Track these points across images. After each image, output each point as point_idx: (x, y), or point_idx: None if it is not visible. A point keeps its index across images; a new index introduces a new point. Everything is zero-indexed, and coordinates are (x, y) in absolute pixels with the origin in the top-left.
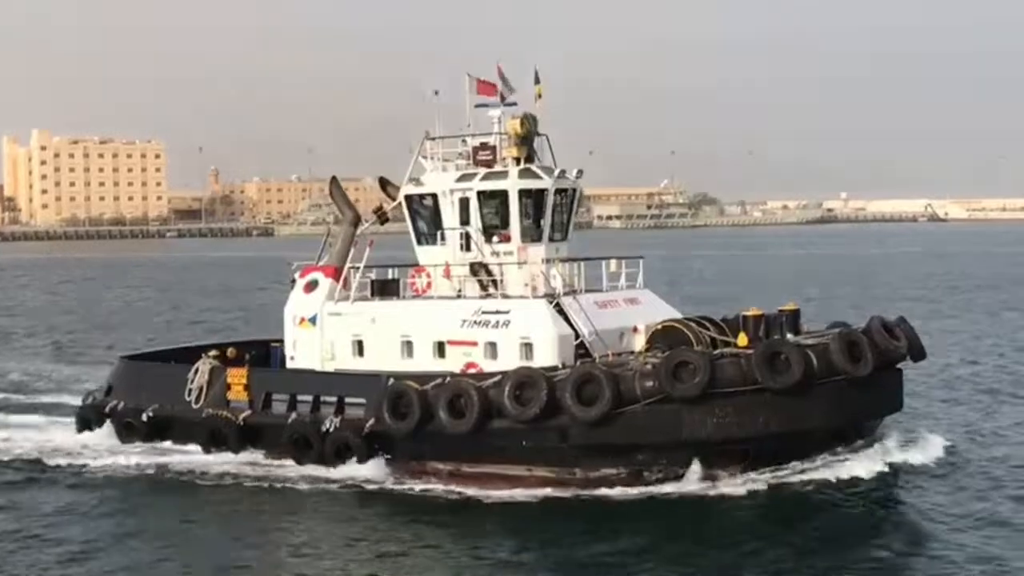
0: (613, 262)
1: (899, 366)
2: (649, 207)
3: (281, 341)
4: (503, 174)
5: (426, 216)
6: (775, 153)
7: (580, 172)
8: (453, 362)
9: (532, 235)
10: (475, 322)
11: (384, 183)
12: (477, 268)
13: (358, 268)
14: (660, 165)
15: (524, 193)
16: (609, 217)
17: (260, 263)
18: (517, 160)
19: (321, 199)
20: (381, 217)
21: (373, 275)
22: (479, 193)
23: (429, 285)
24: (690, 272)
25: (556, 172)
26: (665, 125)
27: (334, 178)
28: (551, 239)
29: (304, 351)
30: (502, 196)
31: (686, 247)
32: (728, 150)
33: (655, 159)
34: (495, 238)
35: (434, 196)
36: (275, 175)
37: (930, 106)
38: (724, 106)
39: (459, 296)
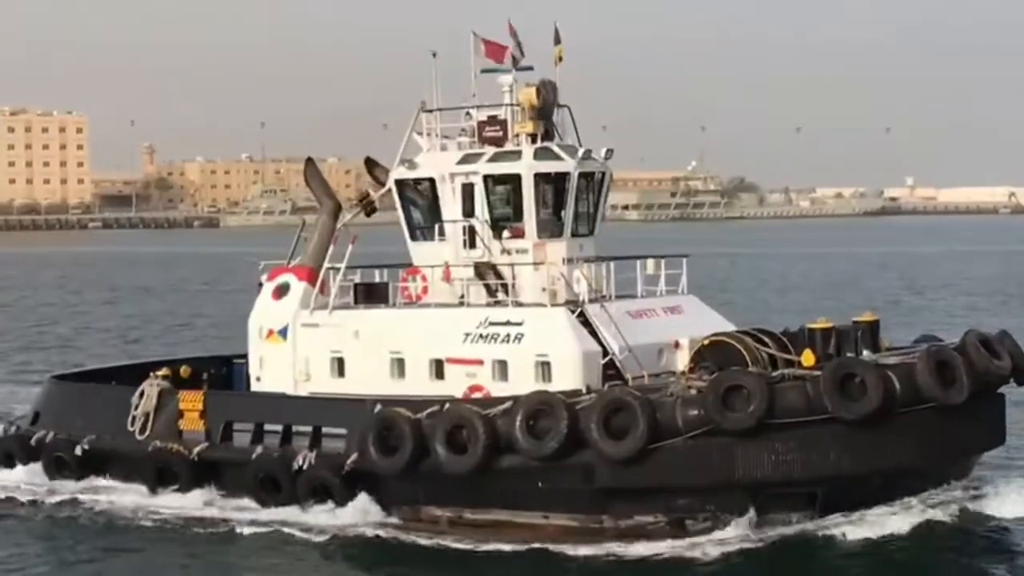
0: (651, 262)
1: (1001, 390)
2: (673, 194)
3: (245, 357)
4: (515, 154)
5: (421, 206)
6: (827, 131)
7: (610, 152)
8: (454, 385)
9: (551, 229)
10: (481, 336)
11: (371, 165)
12: (484, 269)
13: (338, 269)
14: (688, 143)
15: (541, 178)
16: (625, 207)
17: (211, 261)
18: (532, 137)
19: (276, 183)
20: (367, 207)
21: (357, 278)
22: (486, 177)
23: (425, 290)
24: (740, 275)
25: (580, 152)
26: (694, 94)
27: (309, 160)
28: (574, 234)
29: (273, 370)
30: (514, 181)
31: (715, 243)
32: (771, 127)
33: (682, 135)
34: (506, 233)
35: (431, 181)
36: (221, 154)
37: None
38: (767, 72)
39: (461, 303)
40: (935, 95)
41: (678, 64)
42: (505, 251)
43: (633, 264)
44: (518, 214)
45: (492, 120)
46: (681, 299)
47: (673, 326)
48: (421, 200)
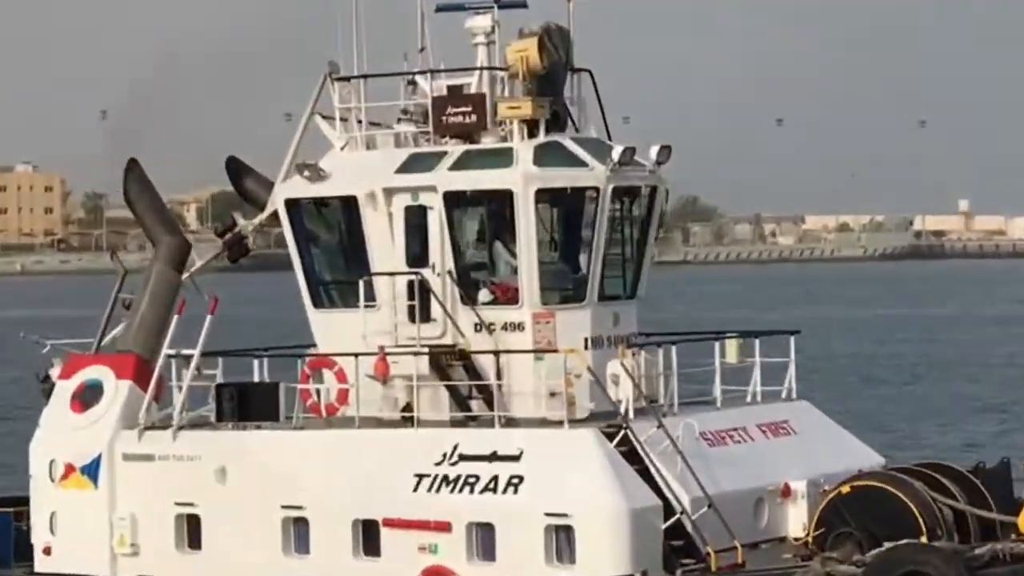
0: (733, 344)
1: None
2: None
3: (22, 505)
4: (501, 155)
5: (331, 246)
6: (824, 124)
7: (665, 152)
8: (395, 564)
9: (564, 287)
10: (445, 479)
11: (238, 170)
12: (446, 360)
13: (187, 358)
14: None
15: (548, 197)
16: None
17: None
18: (531, 125)
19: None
20: (233, 248)
21: (218, 372)
22: (450, 197)
23: (343, 396)
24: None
25: (616, 153)
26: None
27: (132, 163)
28: (604, 296)
29: (71, 535)
30: (499, 203)
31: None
32: (740, 121)
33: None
34: (484, 294)
35: (348, 202)
36: None
37: None
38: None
39: (408, 420)
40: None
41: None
42: (484, 326)
43: (703, 347)
44: (504, 261)
45: (457, 94)
46: (788, 408)
47: (779, 456)
48: (331, 235)
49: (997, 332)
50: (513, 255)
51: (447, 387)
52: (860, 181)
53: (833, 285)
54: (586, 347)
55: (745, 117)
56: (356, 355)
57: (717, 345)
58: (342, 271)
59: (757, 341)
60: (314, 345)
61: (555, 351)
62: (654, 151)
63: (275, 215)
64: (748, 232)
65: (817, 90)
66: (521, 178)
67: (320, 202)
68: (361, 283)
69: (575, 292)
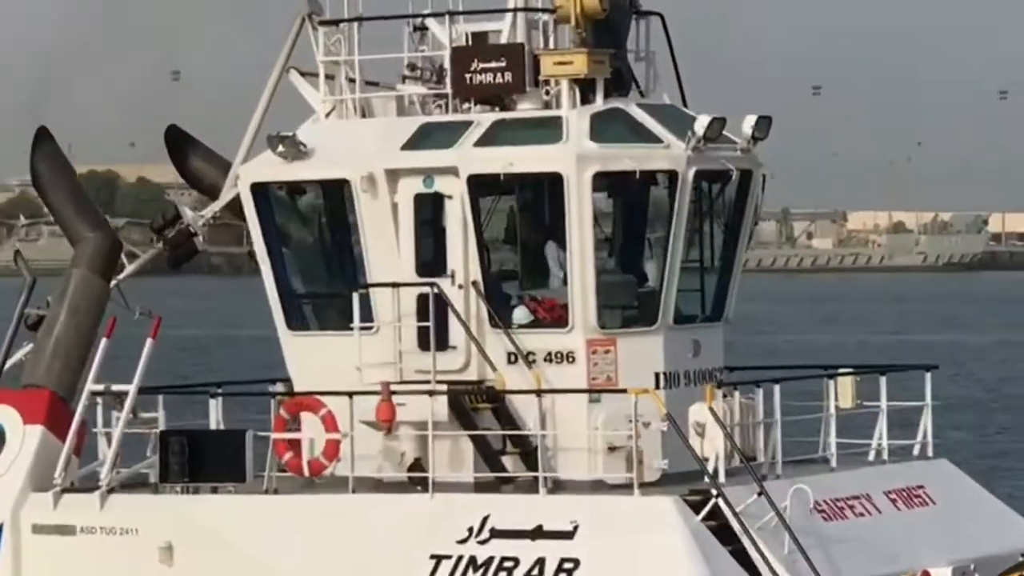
0: (848, 384)
1: None
2: None
3: None
4: (544, 127)
5: (313, 246)
6: (874, 100)
7: (764, 124)
8: None
9: (629, 303)
10: (471, 563)
11: (180, 143)
12: (471, 402)
13: (119, 395)
14: None
15: (608, 184)
16: None
17: None
18: (585, 87)
19: None
20: (177, 246)
21: (160, 415)
22: (475, 183)
23: (333, 450)
24: None
25: (701, 125)
26: None
27: (41, 133)
28: (681, 317)
29: None
30: (542, 191)
31: None
32: (761, 87)
33: None
34: (520, 312)
35: (337, 189)
36: None
37: None
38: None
39: (417, 482)
40: None
41: None
42: (521, 357)
43: (797, 387)
44: (546, 268)
45: (485, 45)
46: (924, 469)
47: (916, 535)
48: (312, 233)
49: None
50: (562, 261)
51: (472, 438)
52: (918, 167)
53: (890, 302)
54: (657, 385)
55: (773, 82)
56: (350, 394)
57: (830, 384)
58: (328, 281)
59: (883, 379)
60: (286, 382)
61: (618, 391)
62: (749, 123)
63: (234, 204)
64: (773, 232)
65: (865, 52)
66: (574, 158)
67: (298, 188)
68: (355, 297)
69: (643, 312)
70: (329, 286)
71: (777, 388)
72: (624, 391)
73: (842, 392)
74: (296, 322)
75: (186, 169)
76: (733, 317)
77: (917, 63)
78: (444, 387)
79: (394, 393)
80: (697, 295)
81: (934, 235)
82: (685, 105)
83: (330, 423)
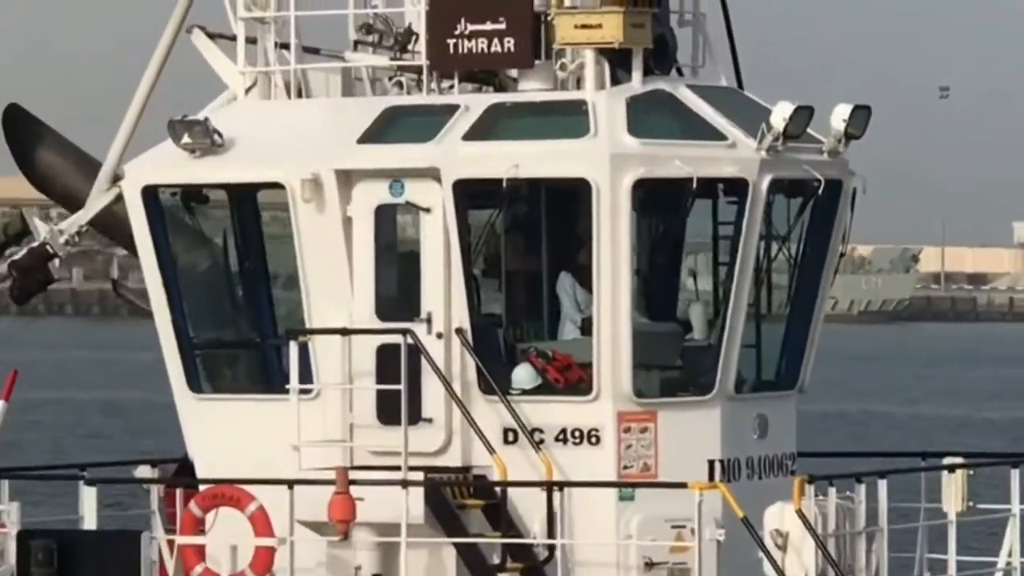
0: (959, 481)
1: None
2: None
3: None
4: (563, 115)
5: (225, 275)
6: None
7: (861, 118)
8: None
9: (672, 362)
10: None
11: (24, 131)
12: (454, 496)
13: None
14: None
15: (651, 196)
16: None
17: None
18: (613, 58)
19: None
20: (27, 274)
21: (15, 508)
22: (465, 191)
23: (265, 561)
24: None
25: (781, 118)
26: None
27: None
28: (745, 383)
29: None
30: (560, 204)
31: None
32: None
33: None
34: (522, 370)
35: (260, 197)
36: None
37: None
38: None
39: None
40: None
41: None
42: (523, 434)
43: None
44: (567, 312)
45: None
46: None
47: None
48: (225, 257)
49: None
50: (581, 301)
51: (457, 547)
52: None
53: None
54: (710, 477)
55: (889, 80)
56: (290, 483)
57: (943, 480)
58: (246, 323)
59: (1015, 472)
60: (185, 471)
61: (660, 485)
62: (841, 115)
63: (110, 217)
64: (890, 260)
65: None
66: (606, 159)
67: (196, 194)
68: (292, 348)
69: (693, 374)
70: (249, 331)
71: (884, 484)
72: (681, 485)
73: (947, 493)
74: (199, 381)
75: (30, 164)
76: (809, 384)
77: None
78: (419, 475)
79: (358, 483)
80: (765, 353)
81: (847, 275)
82: (740, 86)
83: (262, 524)
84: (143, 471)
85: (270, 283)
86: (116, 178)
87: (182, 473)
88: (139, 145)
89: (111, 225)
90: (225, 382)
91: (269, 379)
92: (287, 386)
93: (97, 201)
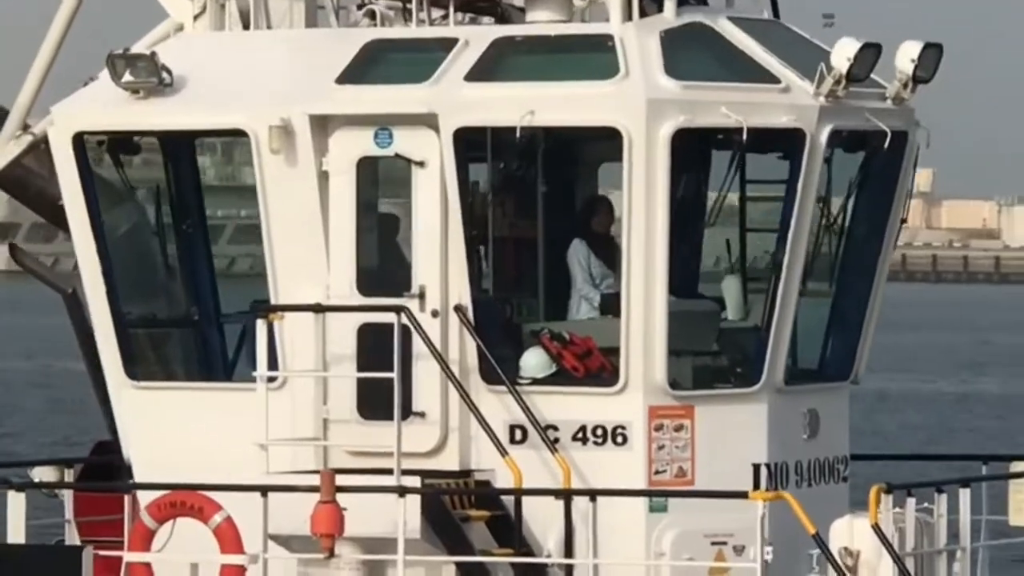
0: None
1: None
2: None
3: None
4: (584, 51)
5: (167, 239)
6: None
7: (932, 58)
8: None
9: (708, 345)
10: None
11: None
12: (455, 505)
13: None
14: None
15: (688, 148)
16: None
17: None
18: None
19: None
20: None
21: None
22: (466, 140)
23: None
24: None
25: (843, 58)
26: None
27: None
28: (795, 373)
29: None
30: (581, 158)
31: None
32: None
33: None
34: (533, 354)
35: (211, 145)
36: None
37: None
38: None
39: None
40: None
41: None
42: (536, 431)
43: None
44: (588, 288)
45: None
46: None
47: None
48: (171, 217)
49: None
50: (596, 272)
51: (459, 566)
52: None
53: None
54: (756, 485)
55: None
56: (263, 489)
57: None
58: (198, 295)
59: None
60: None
61: (713, 495)
62: (909, 54)
63: (20, 175)
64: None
65: None
66: (642, 104)
67: (128, 144)
68: (260, 328)
69: (735, 362)
70: (203, 304)
71: (965, 495)
72: (740, 495)
73: (1015, 506)
74: (139, 366)
75: None
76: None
77: None
78: (415, 480)
79: (344, 490)
80: (814, 337)
81: None
82: (776, 15)
83: (230, 538)
84: (45, 473)
85: (211, 249)
86: (26, 126)
87: (90, 474)
88: (57, 89)
89: (17, 182)
90: (170, 368)
91: (210, 364)
92: (255, 373)
93: (2, 153)
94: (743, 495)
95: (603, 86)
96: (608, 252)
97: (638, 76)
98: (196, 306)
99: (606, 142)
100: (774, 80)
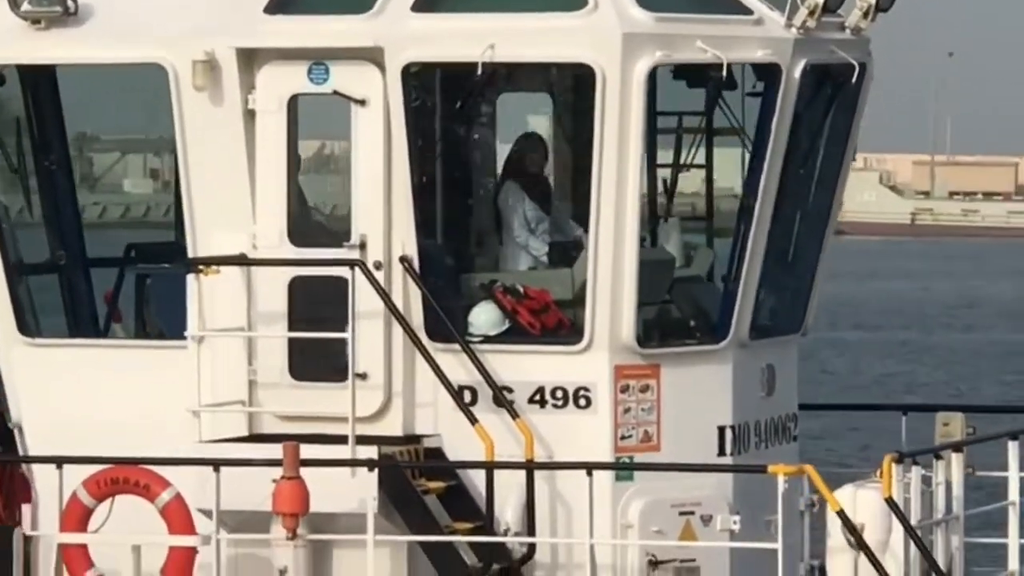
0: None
1: None
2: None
3: None
4: None
5: (67, 179)
6: None
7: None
8: None
9: (674, 297)
10: None
11: None
12: (408, 478)
13: None
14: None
15: (660, 83)
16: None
17: None
18: None
19: None
20: None
21: None
22: (418, 77)
23: (182, 566)
24: None
25: None
26: None
27: None
28: (759, 325)
29: None
30: (546, 97)
31: None
32: None
33: None
34: (484, 309)
35: (126, 80)
36: None
37: None
38: None
39: None
40: None
41: None
42: (492, 392)
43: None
44: (543, 236)
45: None
46: None
47: None
48: (74, 155)
49: None
50: (532, 219)
51: (424, 547)
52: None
53: None
54: (721, 450)
55: None
56: (216, 463)
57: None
58: (63, 240)
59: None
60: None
61: (741, 469)
62: None
63: None
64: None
65: None
66: (617, 39)
67: (37, 78)
68: (191, 282)
69: (697, 316)
70: (66, 254)
71: (958, 459)
72: (760, 469)
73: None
74: (32, 323)
75: None
76: (811, 322)
77: None
78: (370, 450)
79: (310, 465)
80: (771, 289)
81: None
82: None
83: (179, 518)
84: None
85: (75, 189)
86: None
87: None
88: None
89: None
90: (85, 323)
91: (78, 315)
92: (187, 333)
93: None
94: (762, 469)
95: (571, 18)
96: (542, 194)
97: (609, 7)
98: (63, 250)
99: (558, 74)
100: (745, 11)
